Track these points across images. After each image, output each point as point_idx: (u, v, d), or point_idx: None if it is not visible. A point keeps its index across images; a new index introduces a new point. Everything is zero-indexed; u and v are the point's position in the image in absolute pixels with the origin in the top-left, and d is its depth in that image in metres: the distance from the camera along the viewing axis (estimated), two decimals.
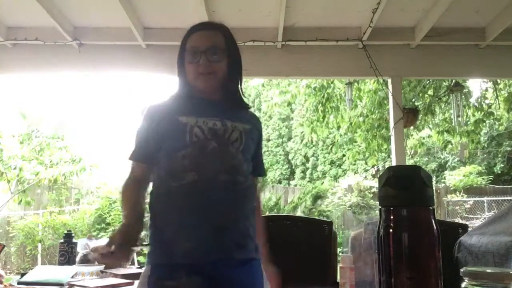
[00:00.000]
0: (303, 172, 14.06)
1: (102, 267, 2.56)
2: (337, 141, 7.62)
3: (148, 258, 1.35)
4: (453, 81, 5.06)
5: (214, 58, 1.36)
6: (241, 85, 1.49)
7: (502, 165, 12.13)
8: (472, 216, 9.77)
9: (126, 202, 1.37)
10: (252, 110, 1.57)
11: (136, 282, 2.32)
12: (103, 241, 3.44)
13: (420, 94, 5.83)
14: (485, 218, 8.93)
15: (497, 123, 10.53)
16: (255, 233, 1.40)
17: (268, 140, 14.89)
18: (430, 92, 5.85)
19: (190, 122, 1.33)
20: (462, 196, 10.35)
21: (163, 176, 1.36)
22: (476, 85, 6.46)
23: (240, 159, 1.35)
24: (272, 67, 3.44)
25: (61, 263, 2.66)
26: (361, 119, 6.18)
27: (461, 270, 0.75)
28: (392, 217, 0.77)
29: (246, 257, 1.33)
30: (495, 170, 12.08)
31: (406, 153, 6.68)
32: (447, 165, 12.67)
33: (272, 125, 14.93)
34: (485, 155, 12.47)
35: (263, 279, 1.40)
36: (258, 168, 1.51)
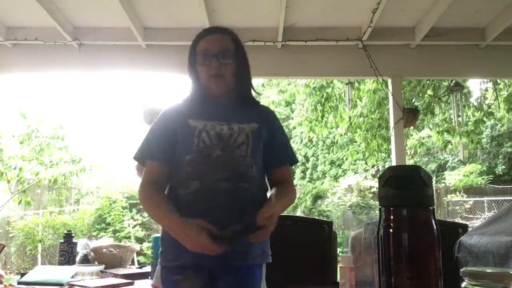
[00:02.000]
0: (303, 172, 14.05)
1: (102, 267, 2.56)
2: (337, 141, 7.61)
3: (159, 259, 1.40)
4: (453, 81, 5.06)
5: (224, 61, 1.40)
6: (252, 86, 1.52)
7: (503, 167, 12.10)
8: (472, 216, 9.76)
9: (160, 211, 1.34)
10: (261, 103, 1.57)
11: (136, 282, 2.34)
12: (103, 241, 3.44)
13: (420, 94, 5.83)
14: (485, 218, 8.92)
15: (498, 123, 10.53)
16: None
17: None
18: (430, 92, 5.85)
19: (198, 126, 1.36)
20: (462, 196, 10.34)
21: (172, 183, 1.40)
22: (476, 85, 6.45)
23: (248, 163, 1.36)
24: (272, 67, 3.44)
25: (61, 263, 2.66)
26: (361, 119, 6.17)
27: (461, 270, 0.75)
28: (392, 217, 0.77)
29: (248, 263, 1.36)
30: (497, 172, 12.05)
31: (406, 153, 6.69)
32: (447, 165, 12.66)
33: None
34: (485, 155, 12.46)
35: (261, 285, 1.42)
36: (286, 156, 1.51)
